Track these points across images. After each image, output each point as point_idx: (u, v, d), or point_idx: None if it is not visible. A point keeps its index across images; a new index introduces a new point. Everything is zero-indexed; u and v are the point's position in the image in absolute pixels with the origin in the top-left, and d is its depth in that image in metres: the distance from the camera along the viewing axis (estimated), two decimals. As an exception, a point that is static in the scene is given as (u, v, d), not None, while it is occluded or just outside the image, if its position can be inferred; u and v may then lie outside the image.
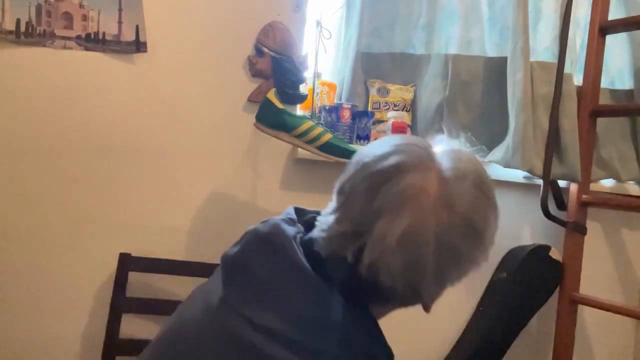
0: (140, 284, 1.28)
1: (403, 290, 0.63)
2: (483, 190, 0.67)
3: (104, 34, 1.27)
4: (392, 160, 0.63)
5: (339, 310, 0.62)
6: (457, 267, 0.65)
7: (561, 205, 1.67)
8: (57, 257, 1.27)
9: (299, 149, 1.40)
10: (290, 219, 0.72)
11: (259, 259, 0.67)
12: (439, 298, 0.70)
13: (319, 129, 1.26)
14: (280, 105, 1.23)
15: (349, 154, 1.26)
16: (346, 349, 0.62)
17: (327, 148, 1.26)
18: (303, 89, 1.43)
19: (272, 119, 1.23)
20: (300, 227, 0.71)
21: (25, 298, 1.25)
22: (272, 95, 1.23)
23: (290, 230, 0.68)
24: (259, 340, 0.60)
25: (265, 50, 1.38)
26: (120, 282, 1.24)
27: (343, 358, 0.62)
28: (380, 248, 0.60)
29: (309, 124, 1.25)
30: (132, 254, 1.27)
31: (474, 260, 0.66)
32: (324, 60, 1.59)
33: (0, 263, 1.23)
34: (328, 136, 1.26)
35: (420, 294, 0.65)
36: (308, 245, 0.67)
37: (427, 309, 0.71)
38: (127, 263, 1.26)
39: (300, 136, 1.25)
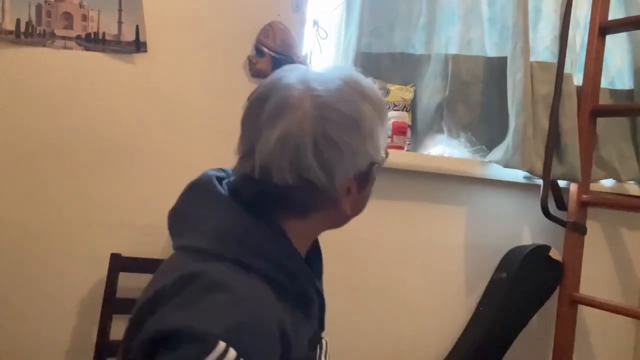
0: (131, 284, 1.26)
1: (298, 187, 0.71)
2: (351, 85, 0.75)
3: (104, 34, 1.27)
4: (268, 84, 0.75)
5: (248, 223, 0.72)
6: (340, 156, 0.71)
7: (561, 205, 1.67)
8: (47, 258, 1.27)
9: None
10: (221, 168, 0.83)
11: (189, 199, 0.79)
12: (342, 192, 0.74)
13: None
14: None
15: None
16: (253, 251, 0.71)
17: None
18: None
19: None
20: (229, 173, 0.81)
21: (16, 299, 1.25)
22: None
23: (213, 172, 0.80)
24: (187, 259, 0.70)
25: (265, 50, 1.38)
26: (111, 282, 1.24)
27: (250, 260, 0.70)
28: (265, 151, 0.70)
29: None
30: (123, 255, 1.26)
31: (357, 148, 0.73)
32: (322, 59, 1.59)
33: (-1, 263, 1.24)
34: None
35: (316, 186, 0.71)
36: (232, 184, 0.78)
37: (338, 205, 0.75)
38: (118, 263, 1.25)
39: None
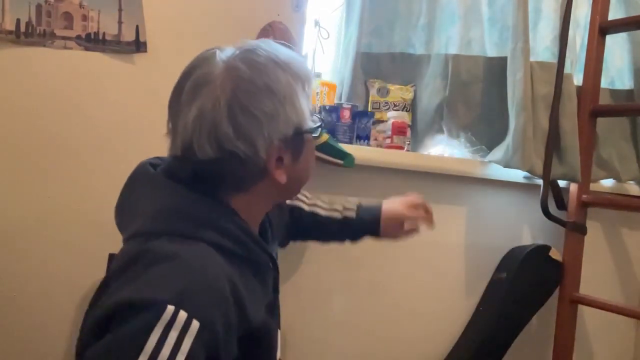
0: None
1: (223, 159, 0.73)
2: (269, 56, 0.76)
3: (104, 34, 1.27)
4: (188, 66, 0.78)
5: (187, 198, 0.74)
6: (256, 123, 0.73)
7: (561, 205, 1.67)
8: (46, 258, 1.26)
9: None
10: (157, 157, 0.86)
11: (128, 192, 0.82)
12: (273, 162, 0.76)
13: None
14: None
15: (342, 154, 1.33)
16: (196, 223, 0.72)
17: (323, 148, 1.31)
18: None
19: None
20: (166, 160, 0.82)
21: (15, 299, 1.25)
22: None
23: (147, 160, 0.83)
24: (133, 245, 0.72)
25: (265, 50, 1.37)
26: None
27: (194, 231, 0.71)
28: (185, 129, 0.73)
29: None
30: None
31: (273, 114, 0.74)
32: (324, 60, 1.59)
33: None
34: (325, 137, 1.31)
35: (240, 156, 0.73)
36: (166, 167, 0.80)
37: (272, 175, 0.77)
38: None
39: None
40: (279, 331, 0.90)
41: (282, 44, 0.81)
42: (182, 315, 0.62)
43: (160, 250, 0.68)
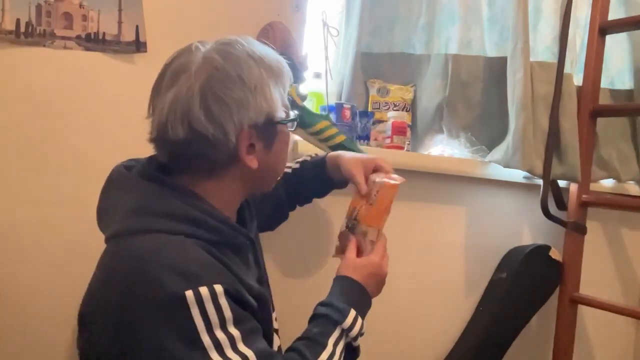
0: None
1: (193, 140, 0.78)
2: (244, 49, 0.82)
3: (104, 34, 1.27)
4: (171, 57, 0.86)
5: (156, 194, 0.79)
6: (226, 108, 0.78)
7: (561, 205, 1.67)
8: (45, 258, 1.26)
9: (299, 148, 1.40)
10: (131, 159, 0.91)
11: (105, 195, 0.87)
12: (244, 148, 0.81)
13: (334, 130, 1.30)
14: (300, 102, 1.28)
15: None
16: (168, 217, 0.77)
17: (339, 149, 1.28)
18: (303, 89, 1.43)
19: None
20: (140, 161, 0.89)
21: (14, 299, 1.24)
22: (292, 92, 1.25)
23: (122, 163, 0.89)
24: (112, 247, 0.79)
25: (265, 50, 1.38)
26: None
27: (168, 225, 0.76)
28: (162, 111, 0.80)
29: (324, 123, 1.29)
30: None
31: (243, 101, 0.79)
32: (324, 59, 1.59)
33: None
34: (341, 138, 1.30)
35: (209, 139, 0.78)
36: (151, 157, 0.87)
37: (242, 161, 0.81)
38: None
39: (315, 134, 1.29)
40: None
41: (262, 42, 0.88)
42: (204, 290, 0.69)
43: (143, 249, 0.74)
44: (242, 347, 0.71)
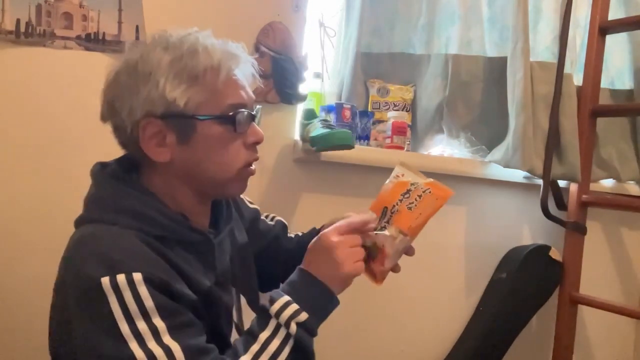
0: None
1: (114, 130, 0.84)
2: (158, 41, 0.81)
3: (104, 34, 1.27)
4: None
5: (107, 188, 0.83)
6: (119, 93, 0.80)
7: (561, 205, 1.67)
8: (44, 258, 1.26)
9: (300, 148, 1.40)
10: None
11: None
12: (144, 137, 0.81)
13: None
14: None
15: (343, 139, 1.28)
16: (111, 209, 0.80)
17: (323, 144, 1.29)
18: (303, 89, 1.43)
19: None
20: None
21: (13, 299, 1.24)
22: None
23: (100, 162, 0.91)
24: (75, 231, 0.82)
25: (265, 50, 1.38)
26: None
27: (112, 216, 0.78)
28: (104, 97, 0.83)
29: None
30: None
31: (134, 88, 0.79)
32: (324, 59, 1.59)
33: None
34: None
35: (117, 125, 0.83)
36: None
37: (146, 151, 0.81)
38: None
39: None
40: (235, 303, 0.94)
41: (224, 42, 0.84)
42: (121, 278, 0.69)
43: (82, 235, 0.77)
44: (167, 339, 0.69)
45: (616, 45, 1.75)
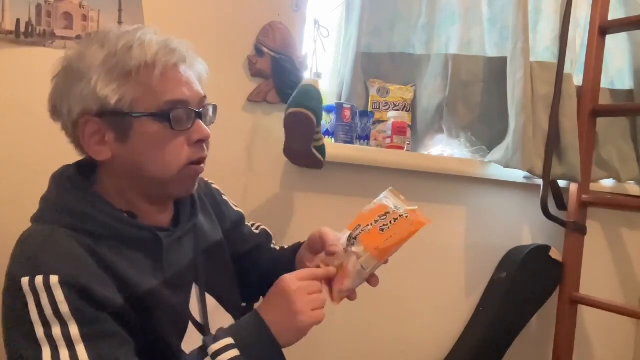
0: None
1: (66, 128, 0.84)
2: (99, 37, 0.81)
3: (104, 34, 1.27)
4: None
5: (58, 189, 0.83)
6: (55, 89, 0.83)
7: (561, 205, 1.67)
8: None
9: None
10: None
11: None
12: (84, 133, 0.81)
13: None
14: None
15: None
16: (53, 213, 0.80)
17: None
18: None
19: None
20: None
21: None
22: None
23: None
24: None
25: (265, 50, 1.38)
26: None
27: (56, 217, 0.78)
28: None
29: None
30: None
31: (64, 86, 0.81)
32: (324, 59, 1.59)
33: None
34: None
35: (63, 127, 0.84)
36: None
37: (87, 149, 0.82)
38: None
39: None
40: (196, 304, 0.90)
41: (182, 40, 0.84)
42: (39, 279, 0.68)
43: (22, 235, 0.78)
44: (80, 349, 0.67)
45: (616, 45, 1.75)
